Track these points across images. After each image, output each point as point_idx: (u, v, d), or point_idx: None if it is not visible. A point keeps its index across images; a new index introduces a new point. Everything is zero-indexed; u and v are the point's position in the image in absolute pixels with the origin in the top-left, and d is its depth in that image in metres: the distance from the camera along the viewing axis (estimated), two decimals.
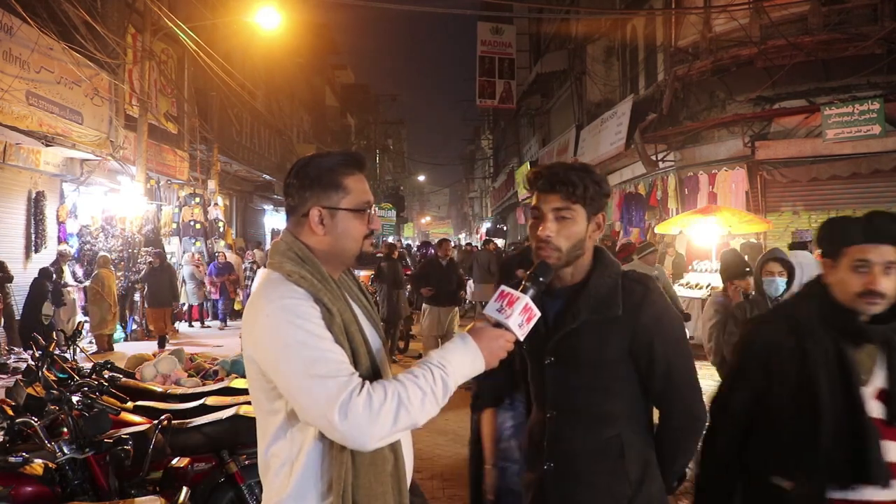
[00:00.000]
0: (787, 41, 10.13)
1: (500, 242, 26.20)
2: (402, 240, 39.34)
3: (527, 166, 23.85)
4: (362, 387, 1.46)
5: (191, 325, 14.25)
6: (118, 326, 11.87)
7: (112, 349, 10.60)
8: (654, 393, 1.83)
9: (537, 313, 1.64)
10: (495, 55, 24.85)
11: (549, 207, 1.81)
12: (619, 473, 1.78)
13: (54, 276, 10.34)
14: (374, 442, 1.46)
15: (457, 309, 8.96)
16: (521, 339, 1.63)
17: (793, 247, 7.59)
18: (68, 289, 10.72)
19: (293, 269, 1.58)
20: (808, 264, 7.14)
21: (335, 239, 1.65)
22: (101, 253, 11.32)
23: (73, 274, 11.28)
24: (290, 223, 1.70)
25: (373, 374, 1.60)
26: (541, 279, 1.71)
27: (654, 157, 12.98)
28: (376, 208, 1.76)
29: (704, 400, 1.88)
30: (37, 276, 10.13)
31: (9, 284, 9.66)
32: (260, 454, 1.64)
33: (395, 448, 1.61)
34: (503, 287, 1.65)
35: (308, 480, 1.55)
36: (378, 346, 1.72)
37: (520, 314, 1.60)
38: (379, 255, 9.93)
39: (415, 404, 1.47)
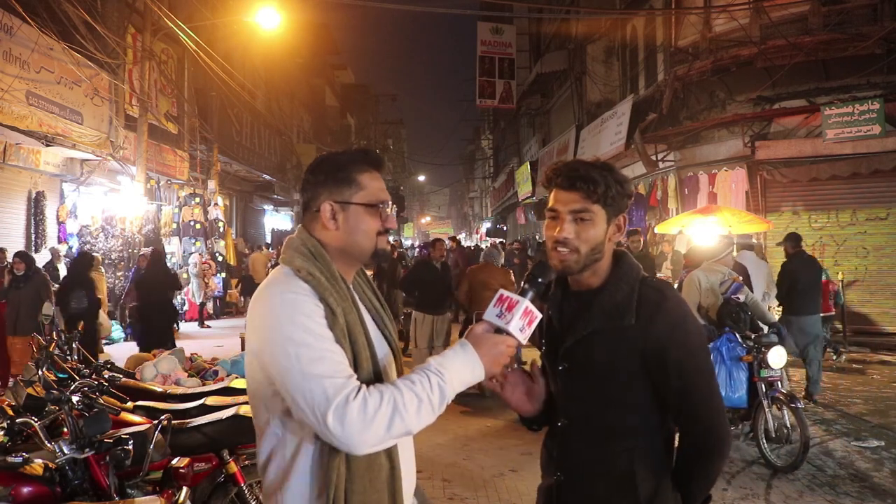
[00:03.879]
0: (787, 41, 10.13)
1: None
2: (402, 240, 39.32)
3: (527, 166, 23.83)
4: (359, 390, 1.44)
5: (202, 325, 14.25)
6: (118, 327, 11.88)
7: (102, 350, 10.50)
8: (671, 408, 1.72)
9: (538, 315, 1.59)
10: (495, 55, 24.84)
11: (568, 208, 1.71)
12: (629, 491, 1.68)
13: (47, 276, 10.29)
14: (366, 447, 1.44)
15: (449, 315, 8.46)
16: (524, 342, 1.59)
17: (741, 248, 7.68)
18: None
19: (302, 264, 1.57)
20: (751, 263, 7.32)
21: (347, 234, 1.64)
22: (92, 254, 11.13)
23: None
24: (304, 218, 1.70)
25: (374, 377, 1.58)
26: (539, 280, 1.66)
27: (654, 157, 12.99)
28: (393, 207, 1.74)
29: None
30: None
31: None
32: (258, 448, 1.63)
33: (391, 456, 1.59)
34: (502, 291, 1.61)
35: (303, 483, 1.54)
36: (385, 350, 1.70)
37: (520, 318, 1.56)
38: None
39: (410, 412, 1.45)
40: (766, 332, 5.56)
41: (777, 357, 5.30)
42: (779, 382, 5.36)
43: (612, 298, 1.72)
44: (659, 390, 1.71)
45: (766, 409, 5.28)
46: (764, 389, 5.32)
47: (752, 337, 5.46)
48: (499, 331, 1.57)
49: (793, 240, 7.75)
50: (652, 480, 1.70)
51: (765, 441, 5.32)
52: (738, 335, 5.47)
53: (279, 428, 1.57)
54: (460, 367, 1.53)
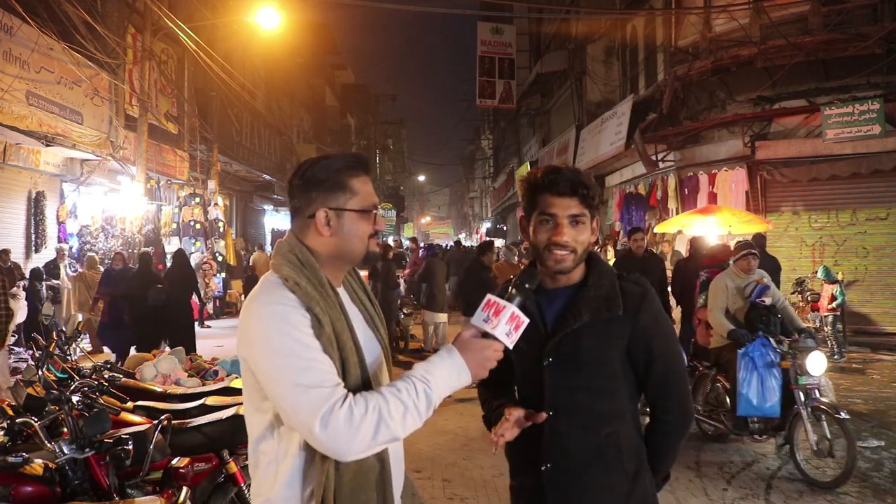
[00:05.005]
0: (787, 41, 10.13)
1: (499, 243, 26.18)
2: (403, 240, 39.27)
3: (527, 166, 23.83)
4: (345, 399, 1.46)
5: (202, 325, 14.23)
6: None
7: (101, 350, 10.56)
8: (651, 390, 1.88)
9: (525, 320, 1.62)
10: (495, 55, 24.84)
11: (567, 212, 1.81)
12: (618, 469, 1.81)
13: (44, 275, 10.32)
14: (353, 454, 1.47)
15: None
16: (511, 347, 1.62)
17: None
18: (55, 283, 10.58)
19: (290, 273, 1.59)
20: None
21: (341, 240, 1.65)
22: (89, 254, 11.16)
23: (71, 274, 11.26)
24: (294, 225, 1.70)
25: (362, 382, 1.60)
26: (527, 286, 1.72)
27: (654, 157, 12.98)
28: (380, 208, 1.76)
29: None
30: (28, 277, 10.14)
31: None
32: (249, 448, 1.67)
33: (381, 456, 1.61)
34: (489, 296, 1.64)
35: (293, 483, 1.56)
36: (376, 352, 1.72)
37: (507, 323, 1.59)
38: None
39: (395, 419, 1.47)
40: (800, 337, 5.20)
41: (816, 363, 4.93)
42: (817, 391, 4.96)
43: (598, 293, 1.84)
44: (640, 375, 1.87)
45: (806, 421, 4.85)
46: (802, 398, 4.91)
47: (787, 342, 5.15)
48: (486, 335, 1.60)
49: (755, 241, 8.56)
50: (635, 458, 1.85)
51: (801, 455, 4.97)
52: (771, 340, 5.14)
53: (271, 431, 1.60)
54: (446, 373, 1.55)
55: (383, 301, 9.66)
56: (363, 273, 11.24)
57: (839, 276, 10.07)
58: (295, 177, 1.68)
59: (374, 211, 1.68)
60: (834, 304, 9.65)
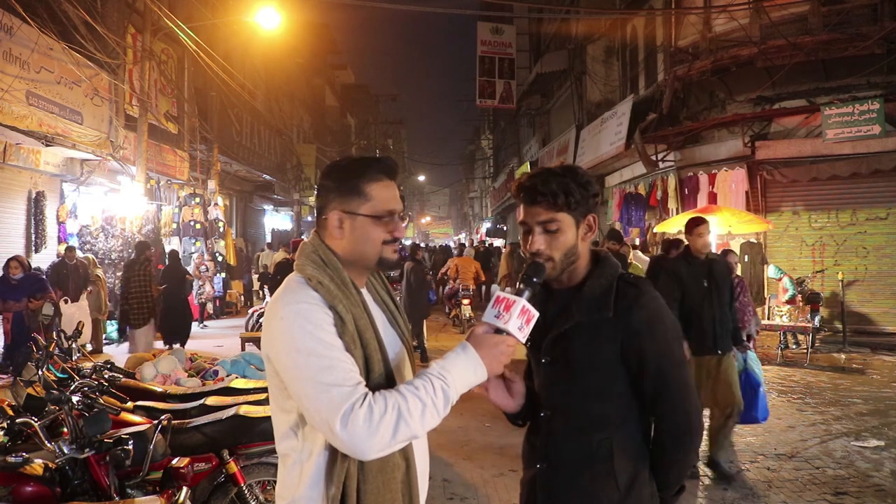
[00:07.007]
0: (787, 41, 10.13)
1: (498, 243, 26.19)
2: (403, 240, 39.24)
3: (527, 166, 23.83)
4: (365, 398, 1.47)
5: (201, 325, 14.25)
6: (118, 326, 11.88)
7: (101, 350, 10.59)
8: (647, 398, 1.79)
9: (535, 314, 1.64)
10: (495, 55, 24.83)
11: (535, 220, 1.80)
12: (608, 478, 1.76)
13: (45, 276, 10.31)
14: (373, 453, 1.47)
15: None
16: (523, 341, 1.63)
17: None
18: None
19: (313, 273, 1.60)
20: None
21: (353, 244, 1.66)
22: (88, 255, 11.17)
23: None
24: (317, 224, 1.73)
25: (386, 380, 1.61)
26: (534, 280, 1.72)
27: (654, 157, 12.98)
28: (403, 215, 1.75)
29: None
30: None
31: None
32: (276, 447, 1.68)
33: (407, 455, 1.62)
34: (498, 292, 1.66)
35: (317, 483, 1.57)
36: (399, 352, 1.73)
37: (518, 317, 1.60)
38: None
39: (415, 417, 1.48)
40: None
41: None
42: None
43: (591, 294, 1.80)
44: (636, 381, 1.78)
45: None
46: None
47: None
48: (498, 331, 1.60)
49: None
50: (630, 469, 1.77)
51: None
52: None
53: (294, 431, 1.60)
54: (463, 370, 1.56)
55: (411, 302, 9.49)
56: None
57: (839, 276, 10.23)
58: (320, 176, 1.72)
59: (392, 217, 1.66)
60: (786, 297, 9.92)
